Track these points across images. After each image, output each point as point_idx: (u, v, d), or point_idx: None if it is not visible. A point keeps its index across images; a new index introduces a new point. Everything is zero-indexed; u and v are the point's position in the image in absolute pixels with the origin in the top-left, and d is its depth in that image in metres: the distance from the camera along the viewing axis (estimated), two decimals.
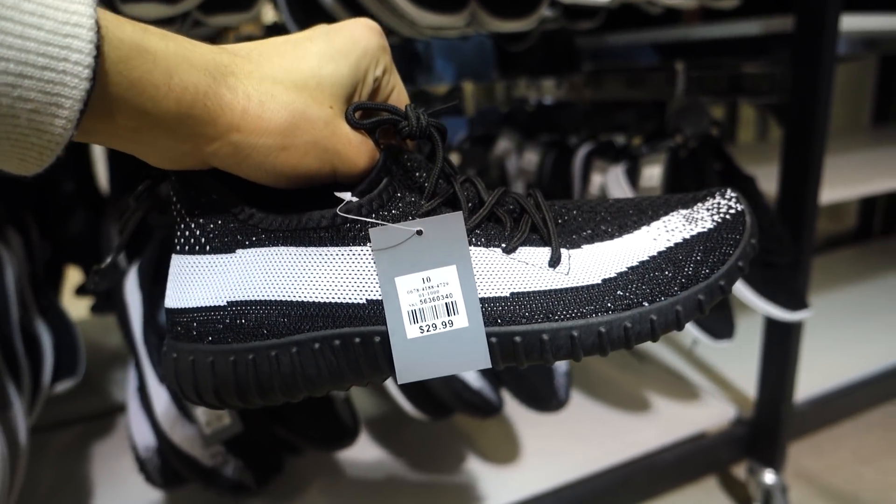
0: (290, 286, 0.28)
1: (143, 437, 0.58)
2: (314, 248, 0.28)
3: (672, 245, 0.29)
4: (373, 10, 0.62)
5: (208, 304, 0.28)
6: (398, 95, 0.32)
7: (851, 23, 0.73)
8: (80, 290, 0.95)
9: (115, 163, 0.92)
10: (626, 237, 0.29)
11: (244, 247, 0.28)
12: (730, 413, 0.86)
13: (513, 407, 0.82)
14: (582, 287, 0.28)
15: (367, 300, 0.27)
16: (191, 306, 0.29)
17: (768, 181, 0.79)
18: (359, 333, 0.28)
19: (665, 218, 0.30)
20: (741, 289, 0.75)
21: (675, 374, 0.96)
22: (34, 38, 0.19)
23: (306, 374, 0.28)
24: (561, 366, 0.70)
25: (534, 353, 0.27)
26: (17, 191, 0.82)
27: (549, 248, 0.28)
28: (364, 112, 0.29)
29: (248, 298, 0.28)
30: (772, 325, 0.81)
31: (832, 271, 1.40)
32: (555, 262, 0.28)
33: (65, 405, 0.86)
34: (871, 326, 1.12)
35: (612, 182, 0.78)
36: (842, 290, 1.28)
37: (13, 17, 0.18)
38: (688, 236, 0.29)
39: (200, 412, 0.54)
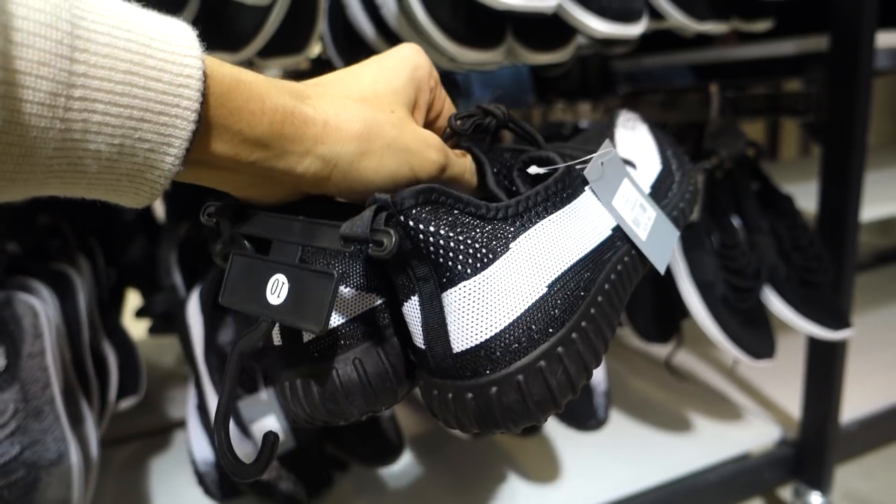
0: (580, 241, 0.30)
1: (202, 452, 0.62)
2: (569, 205, 0.31)
3: None
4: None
5: (530, 303, 0.27)
6: (450, 108, 0.34)
7: (888, 40, 0.73)
8: (140, 313, 1.00)
9: (170, 193, 0.97)
10: None
11: (513, 239, 0.28)
12: (774, 433, 0.86)
13: (553, 426, 0.83)
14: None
15: (611, 230, 0.32)
16: (512, 319, 0.27)
17: (809, 198, 0.79)
18: (627, 251, 0.32)
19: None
20: (781, 308, 0.75)
21: (717, 394, 0.96)
22: (154, 88, 0.22)
23: (627, 294, 0.32)
24: (600, 385, 0.71)
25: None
26: (84, 220, 0.88)
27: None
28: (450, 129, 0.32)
29: (561, 270, 0.28)
30: (815, 345, 0.80)
31: (880, 288, 1.37)
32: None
33: (125, 421, 0.91)
34: None
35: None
36: (890, 308, 1.25)
37: (139, 72, 0.22)
38: None
39: (256, 428, 0.57)
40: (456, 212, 0.27)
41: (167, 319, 0.95)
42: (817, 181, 0.76)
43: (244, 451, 0.58)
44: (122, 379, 0.74)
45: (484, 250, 0.27)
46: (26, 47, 0.19)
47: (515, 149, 0.34)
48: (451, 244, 0.26)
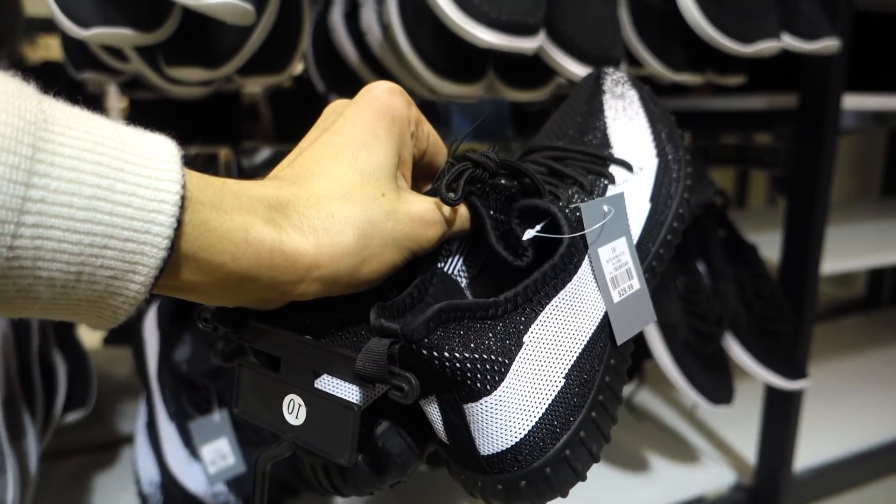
0: (582, 327, 0.29)
1: (148, 472, 0.60)
2: (573, 280, 0.29)
3: None
4: (395, 72, 0.65)
5: (553, 397, 0.27)
6: (435, 141, 0.32)
7: (854, 102, 0.76)
8: None
9: None
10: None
11: (524, 332, 0.27)
12: (729, 478, 0.86)
13: None
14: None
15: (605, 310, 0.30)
16: (536, 421, 0.27)
17: (772, 248, 0.81)
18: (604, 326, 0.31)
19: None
20: (741, 355, 0.76)
21: (675, 435, 0.97)
22: (121, 214, 0.20)
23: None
24: None
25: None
26: None
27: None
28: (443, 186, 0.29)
29: (573, 358, 0.28)
30: (772, 393, 0.81)
31: (838, 339, 1.40)
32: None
33: (70, 434, 0.87)
34: (875, 397, 1.11)
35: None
36: (847, 359, 1.28)
37: (106, 197, 0.20)
38: None
39: (206, 451, 0.55)
40: (466, 321, 0.26)
41: (122, 331, 0.93)
42: (781, 232, 0.78)
43: (192, 474, 0.56)
44: (71, 390, 0.72)
45: (500, 358, 0.26)
46: None
47: (506, 186, 0.31)
48: (468, 364, 0.25)
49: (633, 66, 0.67)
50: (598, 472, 0.86)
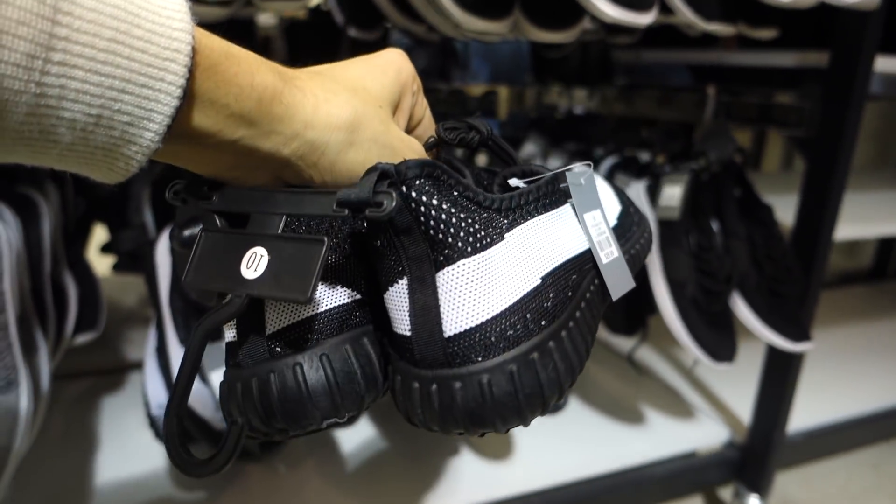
0: (566, 243, 0.30)
1: (157, 395, 0.61)
2: (556, 210, 0.30)
3: None
4: (420, 8, 0.63)
5: (522, 294, 0.26)
6: (428, 120, 0.34)
7: (886, 64, 0.74)
8: (105, 248, 0.97)
9: None
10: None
11: (508, 229, 0.27)
12: (722, 435, 0.88)
13: None
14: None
15: (586, 248, 0.31)
16: (510, 304, 0.26)
17: (786, 211, 0.80)
18: (596, 274, 0.32)
19: None
20: (746, 314, 0.76)
21: (673, 391, 0.98)
22: (139, 59, 0.21)
23: (597, 318, 0.31)
24: None
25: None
26: None
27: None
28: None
29: (553, 266, 0.28)
30: (773, 354, 0.82)
31: (842, 307, 1.40)
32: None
33: (79, 357, 0.89)
34: (873, 366, 1.12)
35: (633, 197, 0.80)
36: (848, 328, 1.29)
37: (124, 41, 0.21)
38: None
39: (215, 377, 0.56)
40: (455, 193, 0.26)
41: (133, 258, 0.93)
42: (797, 195, 0.77)
43: (200, 397, 0.57)
44: (81, 313, 0.72)
45: (482, 233, 0.26)
46: (5, 4, 0.18)
47: (490, 170, 0.33)
48: (453, 220, 0.25)
49: (664, 13, 0.65)
50: (594, 422, 0.88)
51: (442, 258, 0.25)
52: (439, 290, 0.26)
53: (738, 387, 0.94)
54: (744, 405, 0.89)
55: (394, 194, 0.24)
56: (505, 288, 0.26)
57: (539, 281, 0.27)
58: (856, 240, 0.80)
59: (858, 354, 1.17)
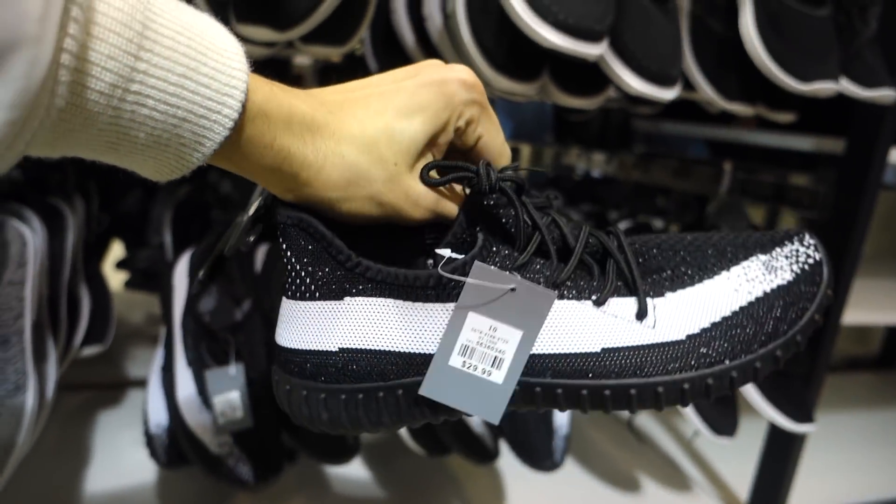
0: (398, 337, 0.30)
1: (158, 414, 0.61)
2: (420, 304, 0.29)
3: (753, 300, 0.30)
4: (450, 62, 0.66)
5: (321, 349, 0.30)
6: (485, 147, 0.32)
7: None
8: (121, 264, 0.99)
9: None
10: (707, 283, 0.31)
11: (352, 294, 0.30)
12: None
13: (507, 460, 0.83)
14: (668, 343, 0.30)
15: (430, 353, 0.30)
16: (304, 349, 0.30)
17: None
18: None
19: (745, 263, 0.31)
20: (750, 391, 0.76)
21: (671, 462, 0.96)
22: (202, 94, 0.24)
23: (411, 413, 0.31)
24: (562, 428, 0.72)
25: (620, 404, 0.30)
26: (86, 162, 0.87)
27: (636, 298, 0.30)
28: (440, 168, 0.30)
29: (358, 347, 0.30)
30: (775, 433, 0.81)
31: (847, 393, 1.39)
32: (642, 314, 0.30)
33: (82, 369, 0.89)
34: (876, 455, 1.10)
35: None
36: (853, 414, 1.27)
37: (193, 77, 0.24)
38: (768, 290, 0.31)
39: (218, 401, 0.56)
40: (317, 245, 0.30)
41: (146, 276, 0.95)
42: None
43: (201, 421, 0.58)
44: (91, 325, 0.73)
45: (325, 289, 0.30)
46: (100, 41, 0.21)
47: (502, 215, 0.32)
48: (305, 264, 0.30)
49: (686, 89, 0.68)
50: (589, 486, 0.86)
51: (289, 292, 0.30)
52: (281, 310, 0.31)
53: (738, 463, 0.93)
54: (742, 482, 0.87)
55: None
56: (306, 338, 0.30)
57: (336, 349, 0.30)
58: (864, 326, 0.80)
59: (862, 443, 1.15)
